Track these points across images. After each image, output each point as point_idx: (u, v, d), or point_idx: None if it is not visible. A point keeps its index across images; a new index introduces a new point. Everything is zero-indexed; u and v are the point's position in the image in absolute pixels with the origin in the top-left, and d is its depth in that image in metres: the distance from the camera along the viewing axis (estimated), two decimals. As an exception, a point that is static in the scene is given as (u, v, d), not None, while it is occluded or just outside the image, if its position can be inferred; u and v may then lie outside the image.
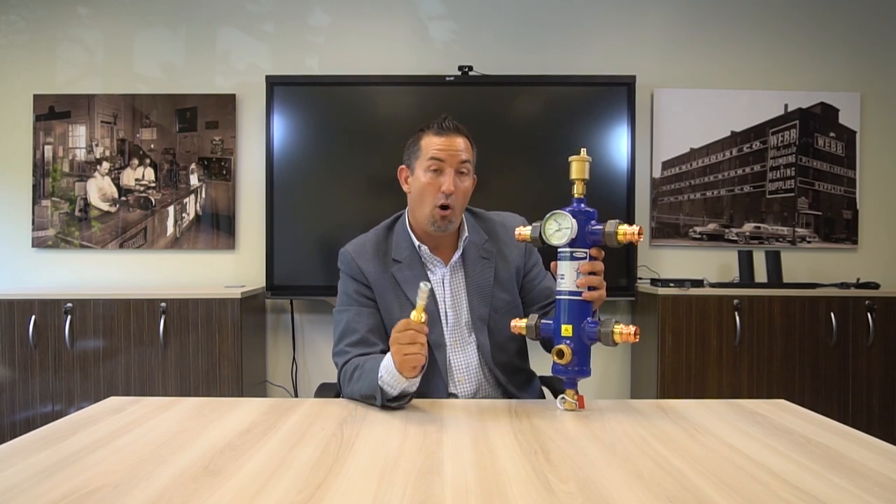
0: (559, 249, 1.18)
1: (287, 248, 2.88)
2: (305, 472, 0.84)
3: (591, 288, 1.16)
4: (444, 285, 1.44)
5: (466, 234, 1.45)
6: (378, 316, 1.41)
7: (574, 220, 1.15)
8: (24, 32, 3.05)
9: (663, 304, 2.66)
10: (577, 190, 1.19)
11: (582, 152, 1.19)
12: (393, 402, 1.18)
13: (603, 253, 1.19)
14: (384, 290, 1.41)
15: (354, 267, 1.44)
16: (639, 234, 1.12)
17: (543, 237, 1.19)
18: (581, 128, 2.90)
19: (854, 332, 2.68)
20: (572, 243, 1.17)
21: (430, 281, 1.42)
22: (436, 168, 1.36)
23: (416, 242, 1.43)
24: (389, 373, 1.16)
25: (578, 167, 1.18)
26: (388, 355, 1.17)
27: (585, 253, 1.17)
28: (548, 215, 1.19)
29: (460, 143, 1.37)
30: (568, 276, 1.17)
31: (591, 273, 1.16)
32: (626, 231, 1.12)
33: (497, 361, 1.41)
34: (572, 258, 1.17)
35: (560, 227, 1.17)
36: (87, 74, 3.05)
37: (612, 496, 0.75)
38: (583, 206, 1.18)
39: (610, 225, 1.14)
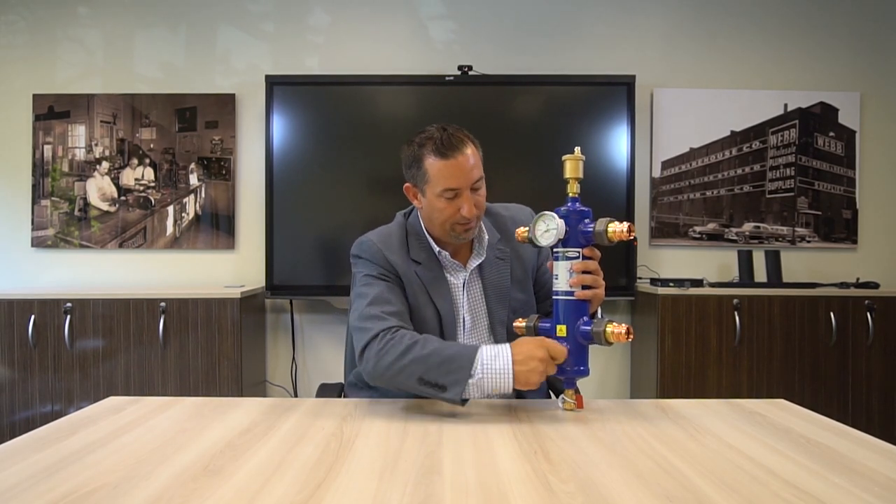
0: (553, 250, 1.19)
1: (287, 248, 2.88)
2: (305, 471, 0.84)
3: (586, 287, 1.16)
4: (463, 291, 1.39)
5: (486, 237, 1.40)
6: (408, 303, 1.32)
7: (561, 221, 1.15)
8: (24, 32, 3.05)
9: (663, 304, 2.66)
10: (571, 189, 1.18)
11: (576, 151, 1.18)
12: (459, 402, 1.11)
13: (598, 252, 1.18)
14: (411, 285, 1.34)
15: (381, 257, 1.33)
16: (628, 231, 1.10)
17: (533, 239, 1.19)
18: (581, 128, 2.90)
19: (854, 331, 2.68)
20: (564, 243, 1.16)
21: (449, 285, 1.37)
22: (450, 196, 1.28)
23: (436, 248, 1.37)
24: (495, 375, 1.09)
25: (572, 166, 1.17)
26: (499, 356, 1.11)
27: (578, 252, 1.16)
28: (536, 216, 1.19)
29: (469, 158, 1.27)
30: (562, 276, 1.17)
31: (584, 272, 1.15)
32: (615, 229, 1.12)
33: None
34: (565, 258, 1.17)
35: (548, 228, 1.16)
36: (87, 74, 3.05)
37: (612, 496, 0.75)
38: (577, 205, 1.17)
39: (600, 223, 1.13)
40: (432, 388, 1.12)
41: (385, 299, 1.27)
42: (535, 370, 1.10)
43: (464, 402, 1.13)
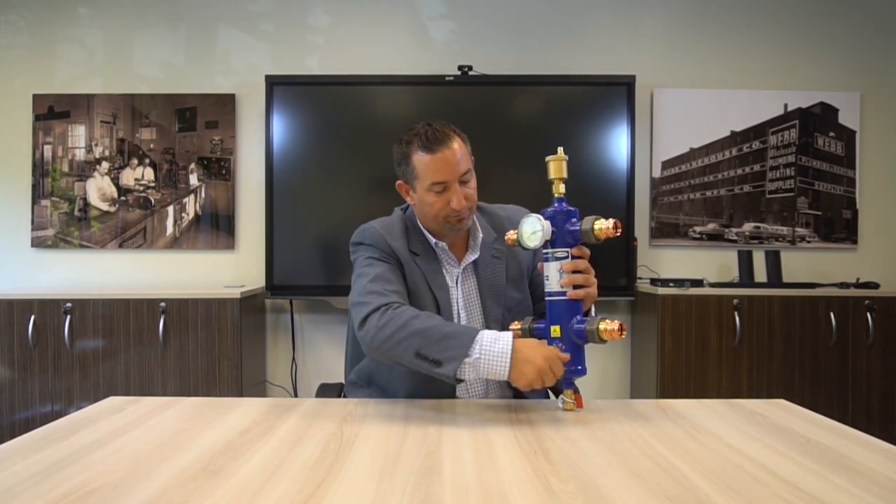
0: (543, 251, 1.19)
1: (287, 248, 2.87)
2: (305, 471, 0.84)
3: (578, 286, 1.16)
4: (458, 286, 1.40)
5: (481, 234, 1.40)
6: (408, 288, 1.34)
7: (546, 222, 1.15)
8: (24, 32, 3.05)
9: (663, 304, 2.66)
10: (557, 189, 1.18)
11: (559, 151, 1.18)
12: (453, 379, 1.12)
13: (587, 251, 1.18)
14: (411, 273, 1.35)
15: (383, 242, 1.35)
16: (614, 227, 1.10)
17: (520, 241, 1.19)
18: (581, 128, 2.90)
19: (854, 331, 2.67)
20: (552, 243, 1.17)
21: (446, 281, 1.38)
22: (439, 190, 1.29)
23: (433, 240, 1.38)
24: (492, 359, 1.10)
25: (556, 167, 1.17)
26: (499, 340, 1.11)
27: (566, 252, 1.16)
28: (522, 219, 1.19)
29: (455, 152, 1.29)
30: (552, 277, 1.17)
31: (575, 272, 1.15)
32: (601, 226, 1.11)
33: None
34: (554, 259, 1.17)
35: (534, 230, 1.16)
36: (87, 74, 3.05)
37: (612, 496, 0.75)
38: (563, 205, 1.17)
39: (586, 222, 1.13)
40: (428, 363, 1.12)
41: (386, 278, 1.29)
42: (527, 375, 1.10)
43: (458, 381, 1.13)
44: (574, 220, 1.17)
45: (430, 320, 1.17)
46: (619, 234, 1.11)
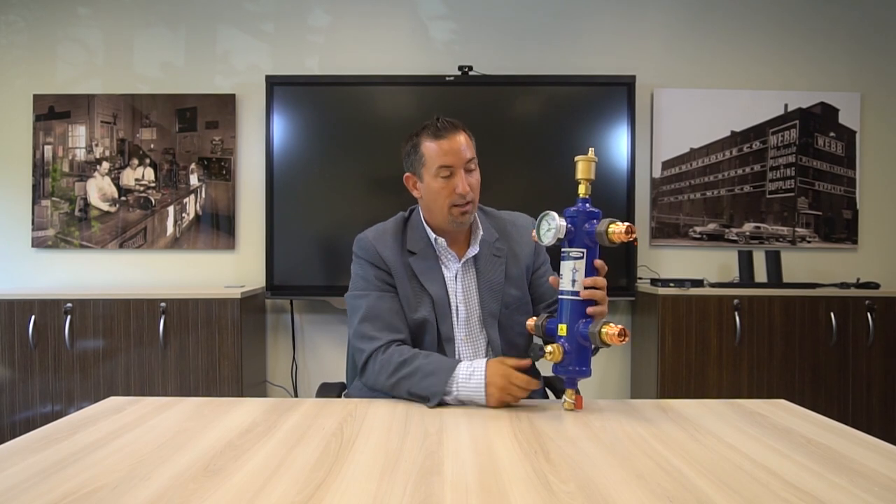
0: (561, 249, 1.19)
1: (287, 248, 2.88)
2: (305, 472, 0.84)
3: (590, 302, 1.17)
4: (457, 281, 1.45)
5: (481, 231, 1.46)
6: (399, 302, 1.41)
7: (561, 220, 1.16)
8: (24, 32, 3.05)
9: (663, 304, 2.66)
10: (582, 190, 1.18)
11: (590, 152, 1.18)
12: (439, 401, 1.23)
13: (605, 268, 1.19)
14: (401, 278, 1.41)
15: (374, 253, 1.42)
16: (626, 231, 1.10)
17: (537, 237, 1.20)
18: (581, 128, 2.90)
19: (854, 332, 2.67)
20: (571, 242, 1.17)
21: (444, 274, 1.44)
22: (446, 174, 1.37)
23: (433, 236, 1.44)
24: (469, 392, 1.21)
25: (584, 167, 1.17)
26: (472, 374, 1.21)
27: (581, 253, 1.16)
28: (540, 215, 1.20)
29: (462, 140, 1.37)
30: (566, 276, 1.18)
31: (592, 287, 1.17)
32: (614, 230, 1.12)
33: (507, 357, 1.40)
34: (570, 258, 1.17)
35: (549, 227, 1.17)
36: (87, 74, 3.05)
37: (612, 496, 0.75)
38: (587, 206, 1.17)
39: (601, 224, 1.14)
40: (419, 399, 1.24)
41: (375, 314, 1.38)
42: (492, 395, 1.19)
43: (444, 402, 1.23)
44: (594, 221, 1.17)
45: (414, 362, 1.27)
46: (631, 238, 1.11)
